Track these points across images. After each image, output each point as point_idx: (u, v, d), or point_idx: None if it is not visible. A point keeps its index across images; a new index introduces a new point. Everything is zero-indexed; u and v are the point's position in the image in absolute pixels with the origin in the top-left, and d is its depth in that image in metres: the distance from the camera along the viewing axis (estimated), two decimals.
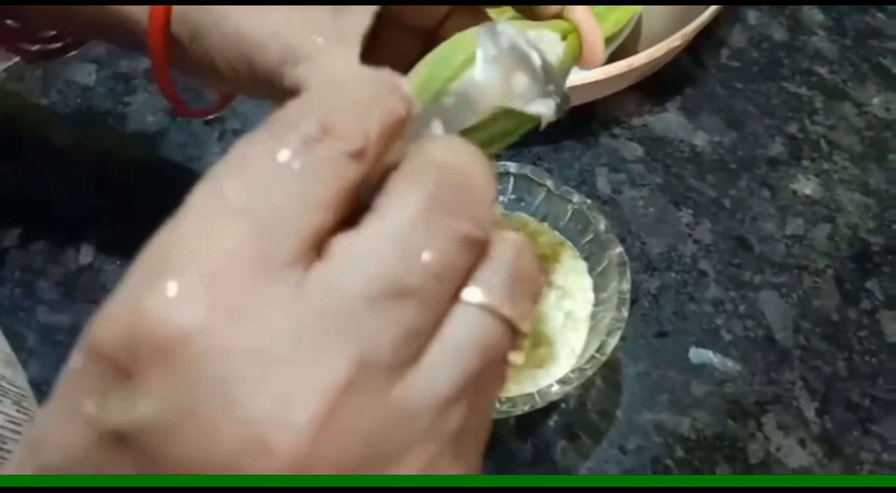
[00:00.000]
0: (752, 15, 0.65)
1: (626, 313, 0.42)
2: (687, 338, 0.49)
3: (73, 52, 0.46)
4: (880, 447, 0.46)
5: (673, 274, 0.51)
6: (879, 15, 0.65)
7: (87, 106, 0.58)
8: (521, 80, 0.29)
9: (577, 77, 0.53)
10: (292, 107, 0.19)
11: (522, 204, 0.48)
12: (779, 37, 0.63)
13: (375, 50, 0.33)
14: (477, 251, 0.19)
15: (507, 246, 0.19)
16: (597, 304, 0.45)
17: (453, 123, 0.28)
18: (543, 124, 0.30)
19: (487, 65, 0.28)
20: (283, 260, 0.17)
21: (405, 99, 0.20)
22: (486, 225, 0.19)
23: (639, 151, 0.57)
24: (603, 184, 0.55)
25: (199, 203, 0.18)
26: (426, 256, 0.18)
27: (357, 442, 0.16)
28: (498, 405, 0.39)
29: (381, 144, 0.19)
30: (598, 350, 0.41)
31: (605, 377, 0.47)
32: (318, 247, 0.18)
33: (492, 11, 0.37)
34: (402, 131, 0.20)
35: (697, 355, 0.48)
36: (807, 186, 0.56)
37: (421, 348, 0.18)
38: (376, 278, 0.17)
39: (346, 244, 0.18)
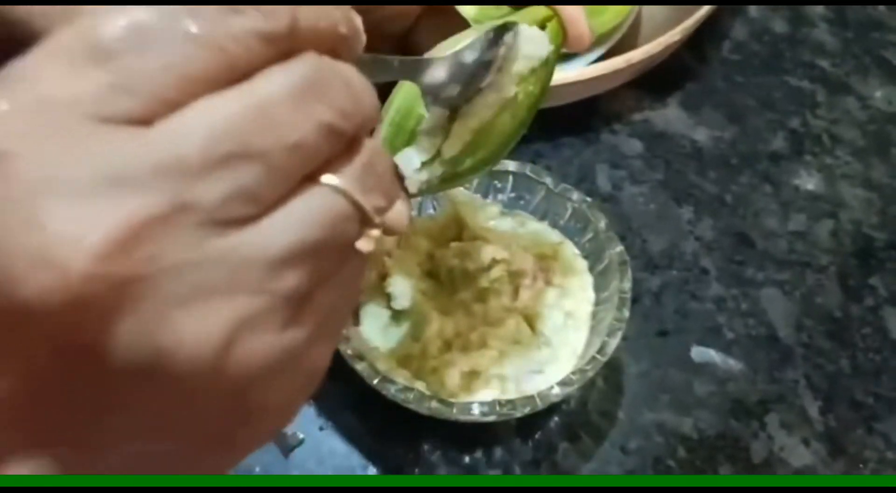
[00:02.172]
0: (753, 7, 0.64)
1: (627, 313, 0.41)
2: (689, 337, 0.48)
3: None
4: (884, 446, 0.45)
5: (674, 272, 0.51)
6: (881, 7, 0.64)
7: None
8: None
9: (575, 73, 0.52)
10: None
11: (522, 202, 0.48)
12: (780, 29, 0.63)
13: None
14: (340, 143, 0.20)
15: (370, 146, 0.21)
16: (597, 303, 0.44)
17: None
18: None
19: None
20: (128, 116, 0.17)
21: (352, 26, 0.21)
22: (355, 122, 0.20)
23: (639, 147, 0.56)
24: (603, 180, 0.55)
25: (71, 36, 0.18)
26: (283, 129, 0.18)
27: (155, 271, 0.17)
28: (498, 408, 0.39)
29: (305, 41, 0.19)
30: (599, 351, 0.40)
31: (606, 377, 0.46)
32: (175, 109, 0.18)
33: (470, 9, 0.37)
34: (341, 51, 0.21)
35: (699, 353, 0.48)
36: (809, 182, 0.55)
37: (262, 211, 0.18)
38: (223, 134, 0.18)
39: (200, 104, 0.18)
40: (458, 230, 0.47)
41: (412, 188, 0.31)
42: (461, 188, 0.47)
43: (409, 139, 0.30)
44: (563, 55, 0.42)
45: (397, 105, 0.31)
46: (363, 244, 0.21)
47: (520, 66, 0.30)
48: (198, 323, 0.18)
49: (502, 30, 0.30)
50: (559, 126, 0.56)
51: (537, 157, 0.55)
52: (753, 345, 0.48)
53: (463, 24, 0.33)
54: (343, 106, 0.20)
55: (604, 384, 0.46)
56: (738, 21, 0.63)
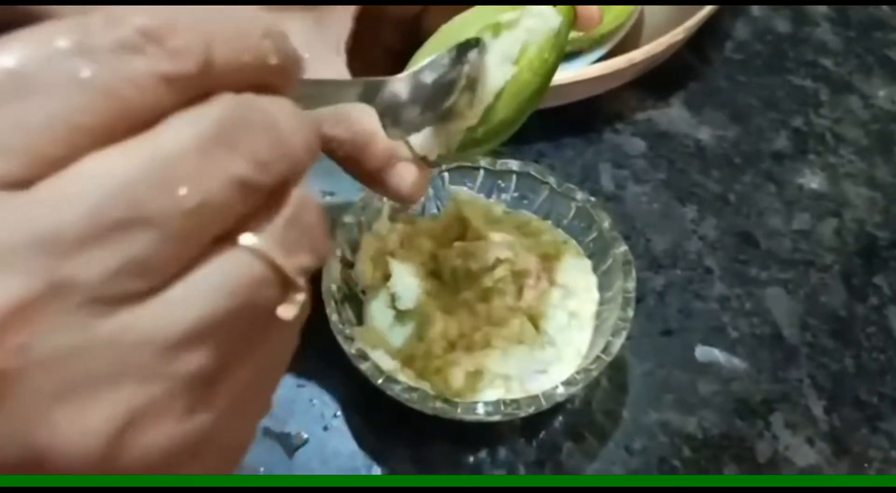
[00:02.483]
0: (755, 7, 0.64)
1: (631, 313, 0.41)
2: (693, 336, 0.48)
3: None
4: (889, 445, 0.45)
5: (678, 271, 0.51)
6: (884, 6, 0.64)
7: None
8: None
9: (578, 72, 0.52)
10: (134, 7, 0.16)
11: (525, 202, 0.48)
12: (783, 29, 0.63)
13: (359, 43, 0.33)
14: (256, 198, 0.17)
15: (296, 196, 0.18)
16: (601, 303, 0.44)
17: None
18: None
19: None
20: (1, 179, 0.15)
21: (284, 52, 0.18)
22: (277, 172, 0.17)
23: (642, 146, 0.56)
24: (606, 180, 0.54)
25: None
26: (183, 190, 0.16)
27: (27, 364, 0.15)
28: (502, 407, 0.38)
29: (224, 79, 0.17)
30: (603, 350, 0.40)
31: (610, 377, 0.46)
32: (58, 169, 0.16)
33: None
34: (273, 82, 0.18)
35: (704, 353, 0.48)
36: (813, 181, 0.55)
37: (158, 284, 0.16)
38: (110, 198, 0.15)
39: (87, 162, 0.16)
40: (461, 230, 0.47)
41: (432, 154, 0.31)
42: (464, 188, 0.47)
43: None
44: (566, 54, 0.42)
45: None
46: (285, 311, 0.18)
47: (532, 49, 0.31)
48: (80, 418, 0.16)
49: (465, 47, 0.29)
50: (562, 126, 0.56)
51: (540, 156, 0.55)
52: (757, 344, 0.48)
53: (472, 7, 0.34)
54: (261, 155, 0.17)
55: (608, 384, 0.46)
56: (741, 20, 0.63)
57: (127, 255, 0.15)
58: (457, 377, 0.41)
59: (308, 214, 0.19)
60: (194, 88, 0.17)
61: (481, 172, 0.47)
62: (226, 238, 0.17)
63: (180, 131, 0.16)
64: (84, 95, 0.15)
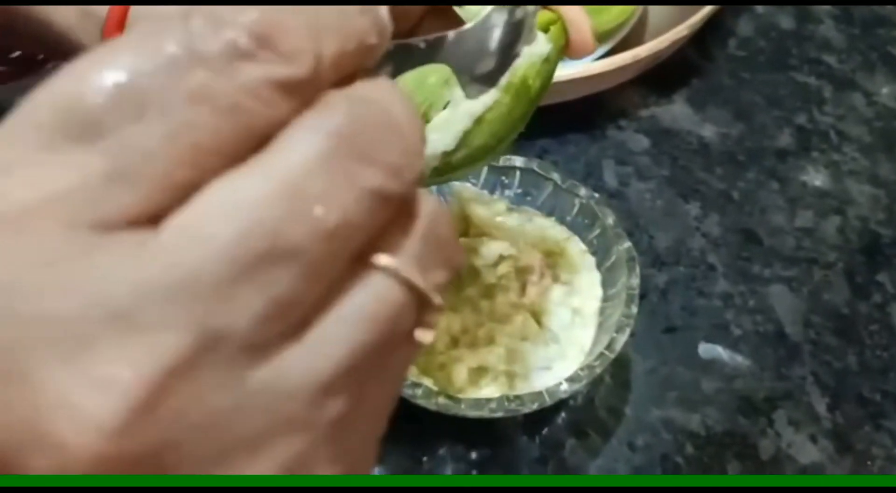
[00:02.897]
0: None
1: (635, 309, 0.41)
2: (696, 333, 0.48)
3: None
4: (892, 443, 0.45)
5: (681, 268, 0.51)
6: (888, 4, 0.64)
7: None
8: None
9: (581, 69, 0.52)
10: (227, 6, 0.15)
11: (529, 198, 0.48)
12: (786, 26, 0.63)
13: None
14: (391, 209, 0.15)
15: (426, 206, 0.16)
16: (605, 299, 0.44)
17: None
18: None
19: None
20: (127, 215, 0.13)
21: (382, 28, 0.16)
22: (407, 178, 0.15)
23: (645, 143, 0.56)
24: (610, 177, 0.54)
25: (45, 107, 0.14)
26: (319, 210, 0.14)
27: (183, 430, 0.13)
28: (506, 404, 0.38)
29: (331, 75, 0.15)
30: (607, 347, 0.40)
31: (613, 374, 0.46)
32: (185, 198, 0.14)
33: (471, 9, 0.36)
34: (367, 62, 0.16)
35: (707, 350, 0.48)
36: (816, 178, 0.55)
37: (303, 321, 0.15)
38: (248, 231, 0.14)
39: (215, 191, 0.14)
40: (464, 226, 0.46)
41: None
42: (467, 184, 0.47)
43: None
44: None
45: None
46: (423, 335, 0.17)
47: (517, 73, 0.29)
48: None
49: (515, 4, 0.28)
50: (565, 122, 0.56)
51: (543, 153, 0.55)
52: (761, 342, 0.48)
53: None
54: (391, 159, 0.15)
55: (611, 381, 0.46)
56: (744, 17, 0.63)
57: (274, 292, 0.14)
58: (460, 374, 0.41)
59: (442, 224, 0.17)
60: (308, 92, 0.15)
61: (484, 168, 0.47)
62: (360, 260, 0.15)
63: (305, 145, 0.14)
64: (203, 110, 0.14)
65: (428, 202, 0.16)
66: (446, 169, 0.30)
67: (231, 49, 0.14)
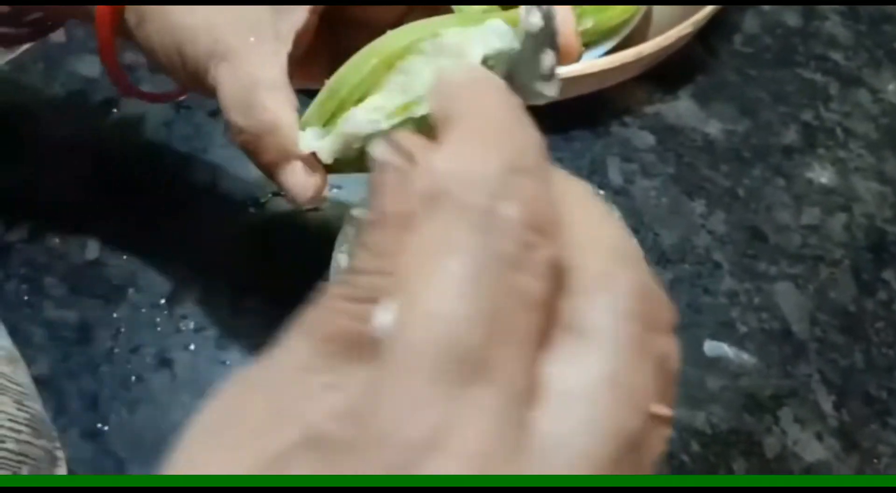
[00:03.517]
0: None
1: None
2: (701, 331, 0.48)
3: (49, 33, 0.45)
4: None
5: (686, 266, 0.50)
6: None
7: (90, 97, 0.58)
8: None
9: (586, 65, 0.52)
10: (469, 179, 0.15)
11: None
12: (793, 22, 0.62)
13: (340, 51, 0.32)
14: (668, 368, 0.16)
15: (672, 350, 0.17)
16: None
17: None
18: None
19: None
20: (514, 400, 0.14)
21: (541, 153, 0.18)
22: (671, 331, 0.16)
23: (650, 140, 0.56)
24: (615, 174, 0.54)
25: (418, 344, 0.14)
26: (641, 395, 0.15)
27: None
28: None
29: None
30: None
31: None
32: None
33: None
34: None
35: (712, 348, 0.47)
36: (822, 175, 0.55)
37: None
38: (605, 434, 0.15)
39: (562, 387, 0.15)
40: None
41: (324, 158, 0.30)
42: None
43: (338, 107, 0.30)
44: None
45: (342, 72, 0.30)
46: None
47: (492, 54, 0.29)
48: None
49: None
50: (570, 119, 0.56)
51: (548, 150, 0.55)
52: (766, 339, 0.48)
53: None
54: (667, 325, 0.16)
55: None
56: (750, 14, 0.63)
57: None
58: None
59: (676, 361, 0.17)
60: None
61: None
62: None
63: (613, 330, 0.15)
64: (534, 318, 0.15)
65: (671, 343, 0.17)
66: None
67: (524, 241, 0.15)
